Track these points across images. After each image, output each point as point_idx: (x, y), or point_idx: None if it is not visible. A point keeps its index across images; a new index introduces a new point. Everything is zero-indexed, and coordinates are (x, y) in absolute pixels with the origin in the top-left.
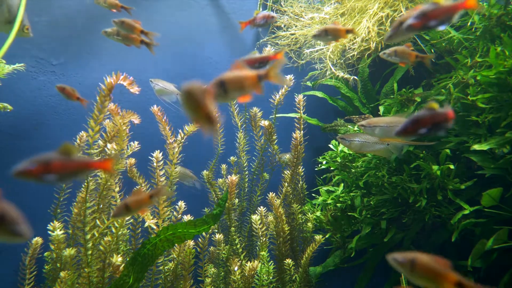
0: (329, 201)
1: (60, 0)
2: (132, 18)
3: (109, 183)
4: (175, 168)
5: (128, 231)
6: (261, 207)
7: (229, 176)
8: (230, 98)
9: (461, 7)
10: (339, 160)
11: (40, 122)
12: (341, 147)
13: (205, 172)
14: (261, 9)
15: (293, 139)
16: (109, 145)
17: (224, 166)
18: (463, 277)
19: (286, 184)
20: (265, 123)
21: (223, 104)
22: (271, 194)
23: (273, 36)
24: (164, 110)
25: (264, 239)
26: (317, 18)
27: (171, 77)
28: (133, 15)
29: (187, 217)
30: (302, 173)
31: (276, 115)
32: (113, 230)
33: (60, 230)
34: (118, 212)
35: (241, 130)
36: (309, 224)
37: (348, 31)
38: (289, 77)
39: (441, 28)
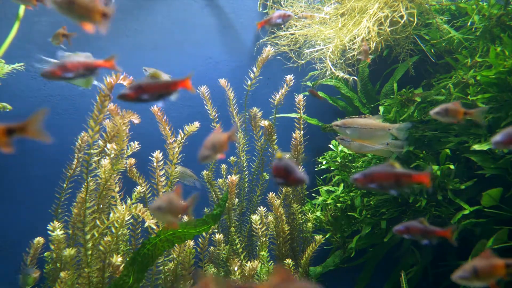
0: (329, 201)
1: None
2: (132, 19)
3: (108, 183)
4: (175, 168)
5: (128, 231)
6: (261, 207)
7: (229, 176)
8: None
9: (179, 86)
10: (339, 160)
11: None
12: (341, 147)
13: (205, 172)
14: (261, 9)
15: (293, 139)
16: (109, 145)
17: (224, 166)
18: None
19: None
20: (265, 123)
21: (222, 104)
22: (271, 194)
23: (273, 36)
24: (164, 110)
25: (264, 239)
26: (317, 18)
27: (170, 77)
28: (132, 15)
29: (187, 217)
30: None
31: (276, 115)
32: (113, 230)
33: (60, 230)
34: None
35: (240, 130)
36: (309, 224)
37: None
38: (289, 77)
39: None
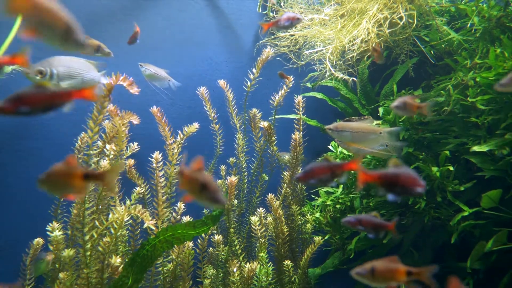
0: (329, 202)
1: (60, 1)
2: (132, 19)
3: None
4: (175, 168)
5: (127, 232)
6: (260, 208)
7: (228, 177)
8: None
9: (74, 97)
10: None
11: (40, 122)
12: (340, 148)
13: None
14: (261, 10)
15: (292, 140)
16: (108, 146)
17: (223, 167)
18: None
19: (285, 185)
20: (264, 124)
21: (222, 105)
22: (270, 195)
23: (273, 37)
24: (164, 111)
25: (263, 240)
26: (317, 19)
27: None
28: (132, 16)
29: (186, 218)
30: None
31: (276, 116)
32: (112, 231)
33: (59, 231)
34: None
35: (240, 131)
36: (308, 225)
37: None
38: (289, 78)
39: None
